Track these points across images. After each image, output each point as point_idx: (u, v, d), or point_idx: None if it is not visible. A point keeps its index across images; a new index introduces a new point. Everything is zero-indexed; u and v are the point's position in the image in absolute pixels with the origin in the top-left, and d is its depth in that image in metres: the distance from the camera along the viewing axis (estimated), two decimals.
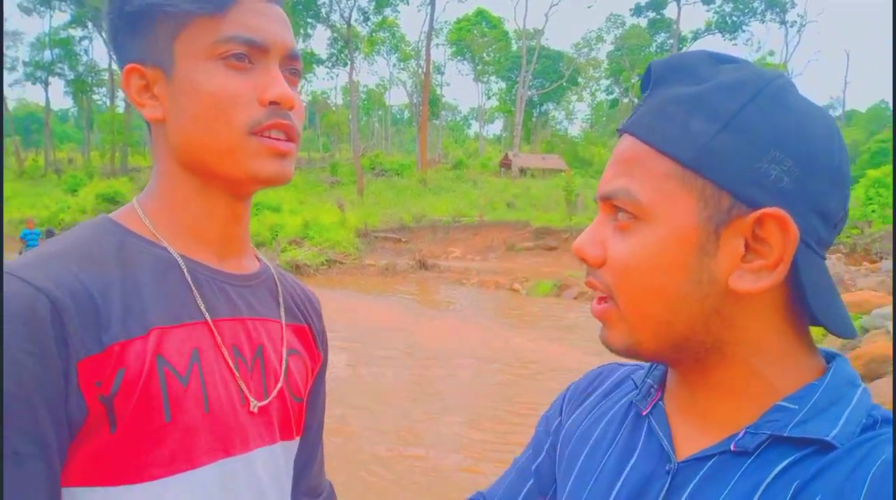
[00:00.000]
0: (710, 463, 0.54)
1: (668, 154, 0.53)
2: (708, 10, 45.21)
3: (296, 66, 0.75)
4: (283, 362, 0.80)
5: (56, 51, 43.87)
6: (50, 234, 13.06)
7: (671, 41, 45.74)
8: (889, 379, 7.58)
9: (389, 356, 8.12)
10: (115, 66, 41.88)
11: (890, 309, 8.80)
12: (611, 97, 57.00)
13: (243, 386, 0.73)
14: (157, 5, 0.69)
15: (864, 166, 36.51)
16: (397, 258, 19.51)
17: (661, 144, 0.53)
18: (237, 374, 0.73)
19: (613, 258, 0.56)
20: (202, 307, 0.72)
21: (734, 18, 44.99)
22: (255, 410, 0.74)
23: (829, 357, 0.57)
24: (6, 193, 29.52)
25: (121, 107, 41.86)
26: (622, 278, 0.55)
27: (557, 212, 26.74)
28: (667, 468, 0.57)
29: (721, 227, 0.52)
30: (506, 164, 40.29)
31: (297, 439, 0.84)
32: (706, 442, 0.56)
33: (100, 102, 50.03)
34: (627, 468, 0.61)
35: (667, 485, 0.56)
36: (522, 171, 38.14)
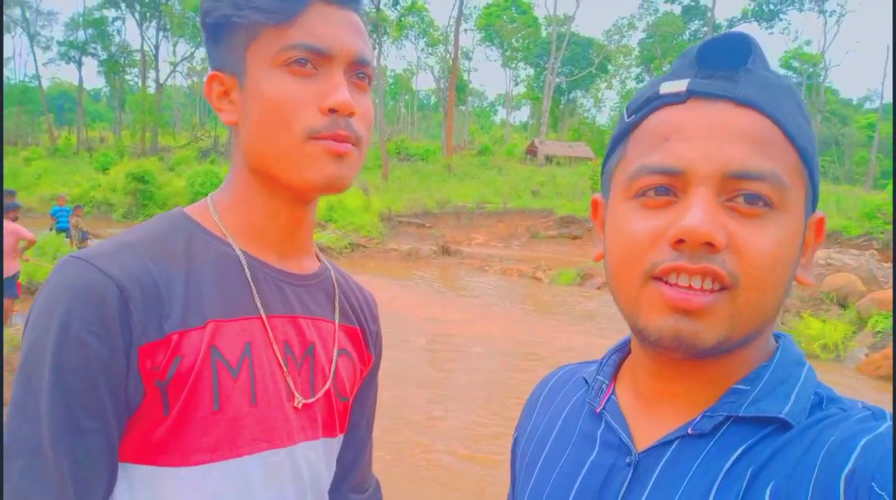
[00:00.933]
0: (670, 450, 0.55)
1: (796, 143, 0.52)
2: None
3: (364, 71, 0.76)
4: (333, 361, 0.82)
5: (90, 31, 44.45)
6: (79, 210, 13.27)
7: (705, 29, 44.73)
8: None
9: (408, 342, 8.13)
10: (147, 48, 42.45)
11: None
12: (640, 86, 55.99)
13: (290, 382, 0.76)
14: (229, 16, 0.72)
15: None
16: (420, 243, 19.50)
17: (793, 131, 0.52)
18: (286, 370, 0.76)
19: (752, 247, 0.50)
20: (258, 303, 0.75)
21: (771, 6, 43.77)
22: (300, 406, 0.76)
23: (775, 337, 0.59)
24: (38, 169, 30.15)
25: (152, 87, 42.40)
26: (764, 270, 0.50)
27: (582, 201, 26.40)
28: (627, 460, 0.57)
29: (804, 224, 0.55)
30: (532, 151, 39.94)
31: (341, 436, 0.86)
32: (665, 430, 0.56)
33: (132, 83, 50.76)
34: (586, 466, 0.60)
35: (629, 477, 0.56)
36: (548, 158, 37.77)
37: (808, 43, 48.48)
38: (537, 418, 0.72)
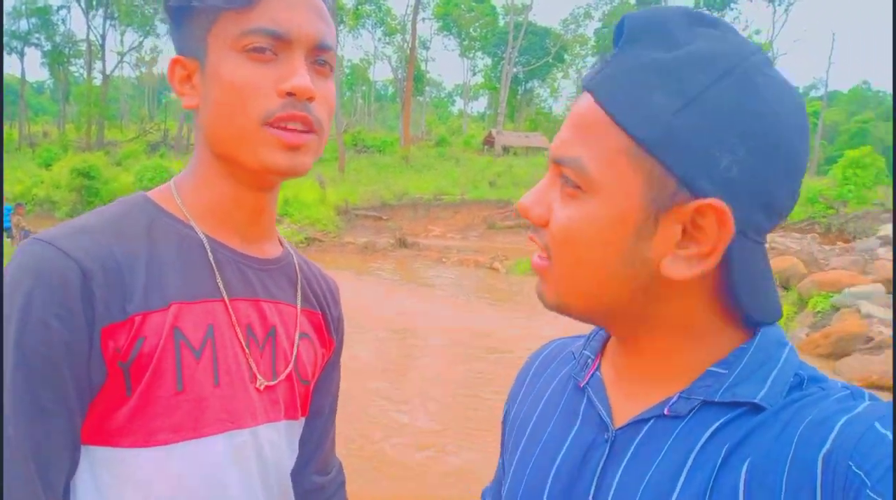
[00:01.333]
0: (645, 428, 0.55)
1: (627, 130, 0.50)
2: None
3: (325, 56, 0.76)
4: (295, 345, 0.83)
5: (33, 20, 42.66)
6: (20, 208, 12.77)
7: None
8: (858, 356, 7.67)
9: (364, 335, 8.06)
10: (93, 37, 40.93)
11: (862, 288, 8.89)
12: None
13: (253, 364, 0.77)
14: (189, 0, 0.72)
15: (843, 147, 36.78)
16: (377, 236, 19.39)
17: (618, 116, 0.50)
18: (248, 352, 0.76)
19: (555, 224, 0.55)
20: (221, 286, 0.76)
21: None
22: (262, 388, 0.78)
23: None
24: None
25: (98, 79, 41.01)
26: (560, 245, 0.55)
27: None
28: (605, 436, 0.58)
29: (662, 212, 0.51)
30: (489, 142, 40.06)
31: (303, 419, 0.88)
32: (640, 407, 0.57)
33: (77, 74, 48.97)
34: (568, 441, 0.61)
35: (606, 453, 0.57)
36: (506, 149, 37.95)
37: (757, 32, 49.66)
38: (525, 392, 0.73)
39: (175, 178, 0.81)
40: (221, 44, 0.72)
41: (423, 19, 49.23)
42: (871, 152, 20.34)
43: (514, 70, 45.84)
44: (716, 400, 0.52)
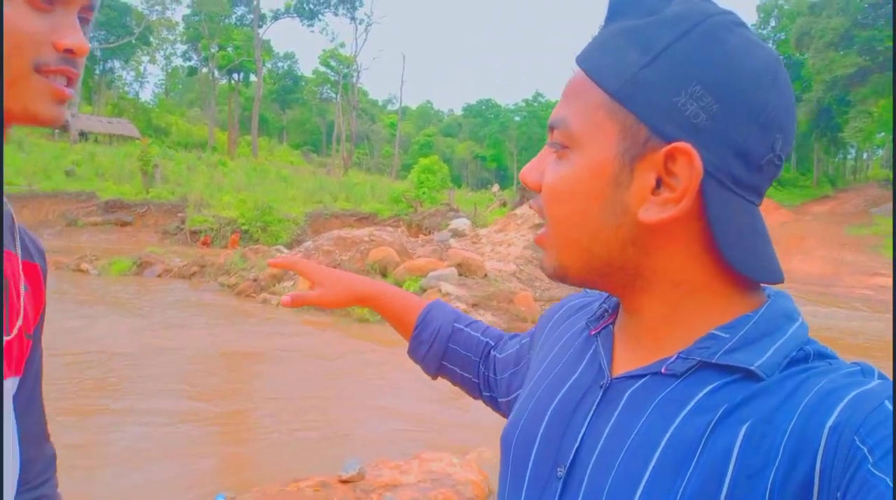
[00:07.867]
0: (640, 382, 0.57)
1: (600, 85, 0.55)
2: None
3: (88, 15, 0.78)
4: (21, 297, 0.81)
5: None
6: None
7: (251, 16, 45.68)
8: None
9: None
10: None
11: (441, 272, 10.67)
12: (188, 64, 53.84)
13: None
14: None
15: (416, 155, 43.30)
16: None
17: (595, 75, 0.55)
18: None
19: (545, 184, 0.59)
20: None
21: (311, 5, 47.46)
22: (3, 342, 0.76)
23: (773, 295, 0.59)
24: None
25: None
26: (548, 203, 0.58)
27: (132, 184, 24.23)
28: (601, 383, 0.61)
29: (636, 160, 0.54)
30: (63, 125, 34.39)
31: (20, 377, 0.84)
32: (641, 363, 0.59)
33: None
34: (569, 383, 0.65)
35: (598, 398, 0.59)
36: (84, 135, 33.21)
37: (342, 45, 54.25)
38: (547, 335, 0.77)
39: None
40: None
41: None
42: (438, 160, 24.53)
43: (90, 46, 40.27)
44: (713, 362, 0.53)
